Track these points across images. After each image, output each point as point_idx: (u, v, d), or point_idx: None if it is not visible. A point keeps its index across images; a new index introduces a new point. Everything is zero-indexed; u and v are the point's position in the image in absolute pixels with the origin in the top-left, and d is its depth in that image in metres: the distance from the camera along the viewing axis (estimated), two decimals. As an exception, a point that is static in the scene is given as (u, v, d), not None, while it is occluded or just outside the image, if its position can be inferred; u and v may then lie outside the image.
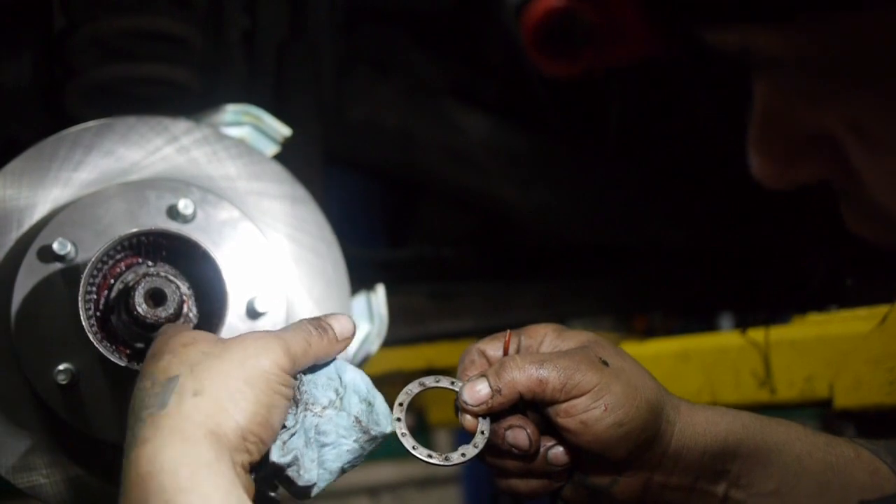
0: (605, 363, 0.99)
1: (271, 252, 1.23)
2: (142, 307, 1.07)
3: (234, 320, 1.14)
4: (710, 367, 1.76)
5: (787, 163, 0.66)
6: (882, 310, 1.64)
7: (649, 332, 3.30)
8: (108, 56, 1.65)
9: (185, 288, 1.11)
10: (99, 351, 1.05)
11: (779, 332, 1.73)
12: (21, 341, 1.11)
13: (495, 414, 1.02)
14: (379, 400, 1.00)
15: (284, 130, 1.36)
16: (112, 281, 1.12)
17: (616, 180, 2.27)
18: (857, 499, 1.01)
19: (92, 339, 1.05)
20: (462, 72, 2.22)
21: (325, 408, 0.95)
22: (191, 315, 1.12)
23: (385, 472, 5.41)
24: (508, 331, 1.07)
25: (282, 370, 0.90)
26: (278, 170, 1.30)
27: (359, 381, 0.99)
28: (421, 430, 5.45)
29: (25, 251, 1.14)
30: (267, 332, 0.95)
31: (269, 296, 1.19)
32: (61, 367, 1.10)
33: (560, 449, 1.01)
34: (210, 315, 1.11)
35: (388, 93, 2.10)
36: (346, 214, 1.95)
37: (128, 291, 1.09)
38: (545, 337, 1.06)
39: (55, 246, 1.12)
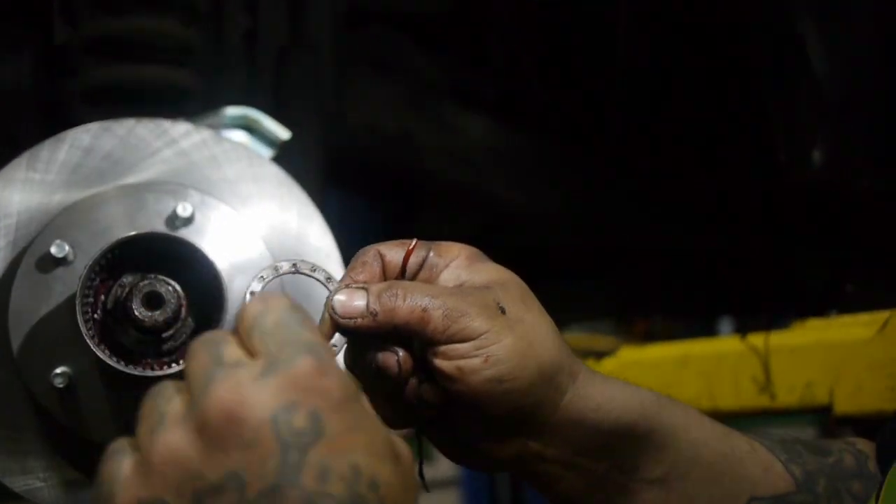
0: (503, 310, 0.87)
1: (271, 256, 1.23)
2: (139, 310, 1.07)
3: (231, 325, 1.14)
4: (710, 373, 1.76)
5: None
6: (883, 315, 1.64)
7: (649, 336, 3.30)
8: (108, 58, 1.65)
9: (182, 291, 1.11)
10: (96, 354, 1.05)
11: (779, 338, 1.73)
12: (18, 344, 1.11)
13: (363, 334, 0.88)
14: None
15: (283, 134, 1.36)
16: (110, 284, 1.11)
17: (616, 182, 2.27)
18: (749, 494, 0.96)
19: (89, 343, 1.04)
20: (462, 73, 2.22)
21: None
22: (189, 319, 1.11)
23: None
24: (415, 239, 0.95)
25: None
26: (278, 173, 1.29)
27: None
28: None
29: (23, 254, 1.14)
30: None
31: (268, 300, 1.18)
32: (58, 370, 1.10)
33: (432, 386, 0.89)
34: (208, 319, 1.10)
35: (388, 94, 2.10)
36: (346, 218, 1.94)
37: (125, 295, 1.08)
38: (455, 260, 0.93)
39: (53, 249, 1.12)
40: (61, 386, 1.09)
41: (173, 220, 1.17)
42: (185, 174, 1.24)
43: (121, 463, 0.66)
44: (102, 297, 1.11)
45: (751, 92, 1.89)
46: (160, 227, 1.15)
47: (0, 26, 1.77)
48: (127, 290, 1.09)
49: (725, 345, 1.81)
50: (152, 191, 1.19)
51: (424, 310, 0.86)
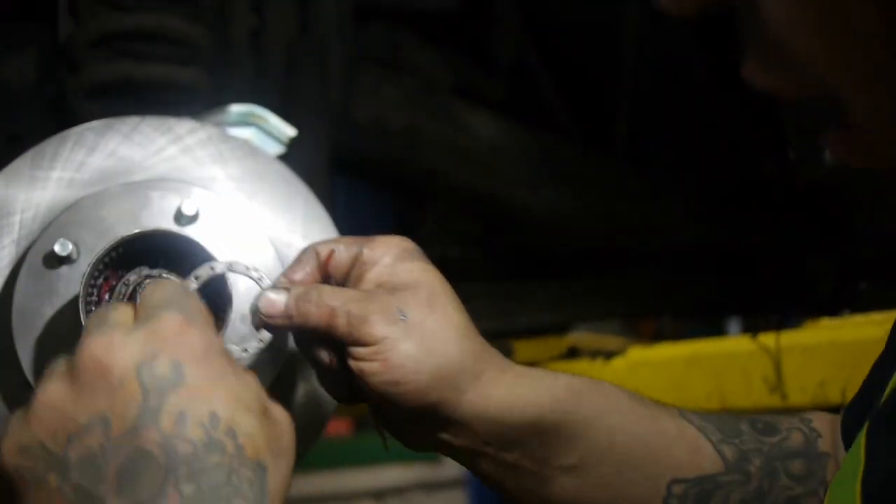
0: (403, 316, 0.93)
1: (277, 255, 1.21)
2: (143, 310, 1.05)
3: (237, 324, 1.13)
4: (720, 372, 1.75)
5: None
6: (896, 314, 1.61)
7: (657, 336, 3.28)
8: (113, 55, 1.64)
9: None
10: (100, 354, 1.03)
11: (790, 337, 1.72)
12: (22, 343, 1.10)
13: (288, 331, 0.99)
14: None
15: (290, 131, 1.35)
16: (114, 282, 1.10)
17: (625, 181, 2.25)
18: (672, 476, 0.97)
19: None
20: (470, 71, 2.21)
21: None
22: None
23: (391, 475, 5.39)
24: (336, 245, 1.03)
25: None
26: (284, 171, 1.28)
27: None
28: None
29: (27, 252, 1.13)
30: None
31: (274, 298, 1.17)
32: (62, 370, 1.09)
33: None
34: (213, 318, 1.09)
35: (395, 92, 2.09)
36: (351, 216, 1.94)
37: (129, 293, 1.07)
38: (383, 258, 0.99)
39: (57, 247, 1.11)
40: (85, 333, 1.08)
41: (178, 218, 1.16)
42: (191, 172, 1.23)
43: (13, 416, 0.75)
44: (107, 295, 1.10)
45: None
46: (165, 225, 1.14)
47: (4, 23, 1.77)
48: (131, 288, 1.08)
49: (736, 344, 1.80)
50: (157, 188, 1.18)
51: (331, 315, 0.93)
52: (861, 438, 0.77)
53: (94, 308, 1.08)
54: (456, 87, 2.16)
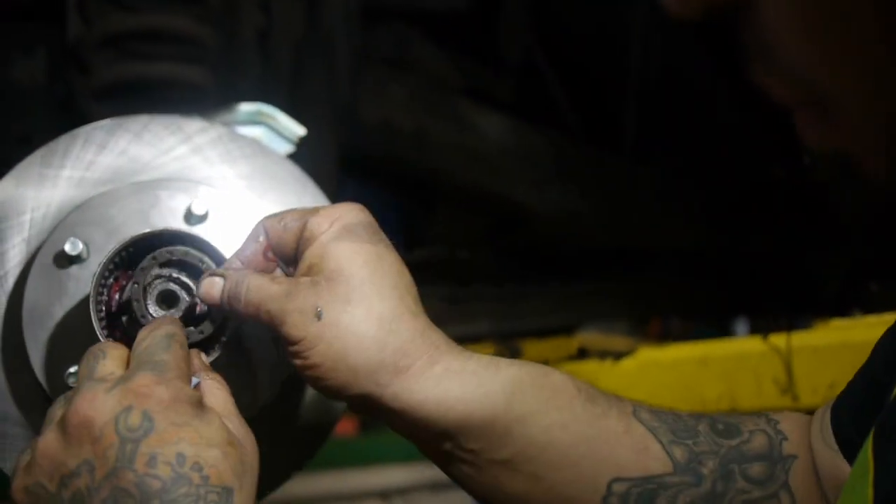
0: (319, 315, 0.94)
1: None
2: (154, 310, 1.05)
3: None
4: (731, 374, 1.73)
5: None
6: (907, 315, 1.60)
7: (664, 336, 3.27)
8: (122, 55, 1.64)
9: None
10: (110, 353, 1.03)
11: (801, 338, 1.70)
12: (32, 343, 1.10)
13: None
14: None
15: (299, 130, 1.34)
16: (124, 282, 1.10)
17: (633, 182, 2.24)
18: (613, 475, 0.97)
19: (103, 342, 1.03)
20: (477, 71, 2.20)
21: None
22: (207, 321, 1.10)
23: (396, 475, 5.37)
24: (283, 219, 1.02)
25: None
26: (294, 170, 1.28)
27: None
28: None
29: (37, 252, 1.12)
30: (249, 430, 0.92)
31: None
32: (72, 369, 1.08)
33: None
34: (224, 318, 1.08)
35: (402, 92, 2.08)
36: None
37: (140, 293, 1.07)
38: (322, 234, 0.98)
39: (67, 247, 1.10)
40: (76, 385, 1.08)
41: (188, 217, 1.15)
42: (200, 171, 1.22)
43: (20, 458, 0.90)
44: (117, 295, 1.09)
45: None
46: (175, 224, 1.14)
47: (14, 24, 1.76)
48: (141, 288, 1.07)
49: (746, 345, 1.78)
50: (166, 188, 1.17)
51: (256, 312, 0.97)
52: (868, 444, 0.76)
53: (104, 308, 1.08)
54: (464, 87, 2.16)
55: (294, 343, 0.95)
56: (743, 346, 1.81)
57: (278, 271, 1.04)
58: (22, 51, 1.72)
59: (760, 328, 2.58)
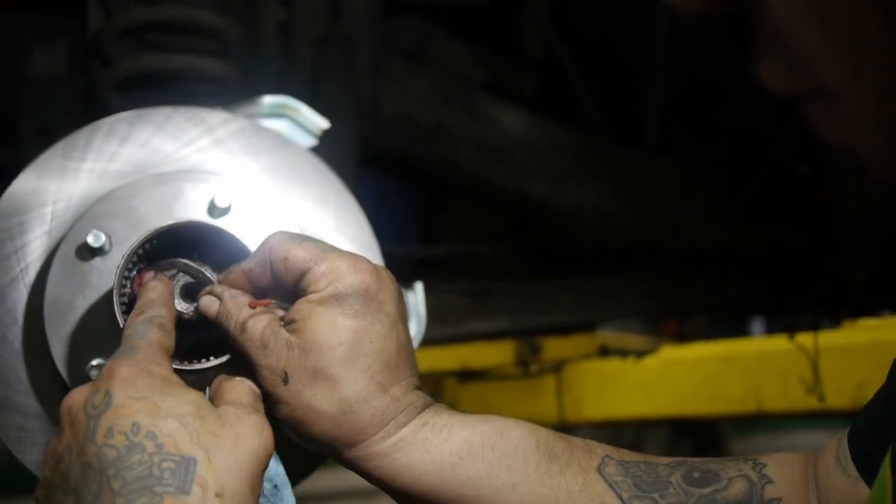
0: (286, 381, 0.98)
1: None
2: (178, 303, 1.04)
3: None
4: (756, 373, 1.71)
5: None
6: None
7: (679, 336, 3.24)
8: (142, 47, 1.63)
9: None
10: (133, 347, 1.02)
11: (828, 337, 1.67)
12: (54, 335, 1.09)
13: None
14: (288, 490, 0.99)
15: (322, 123, 1.33)
16: (147, 274, 1.09)
17: (655, 178, 2.22)
18: None
19: None
20: (499, 65, 2.18)
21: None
22: None
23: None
24: (276, 258, 1.02)
25: (266, 468, 0.91)
26: (317, 163, 1.26)
27: (272, 465, 0.98)
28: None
29: (59, 244, 1.11)
30: (262, 420, 0.93)
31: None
32: (94, 362, 1.07)
33: None
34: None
35: (423, 87, 2.07)
36: (378, 210, 1.91)
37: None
38: (314, 293, 1.00)
39: (89, 238, 1.09)
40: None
41: (211, 209, 1.14)
42: (223, 163, 1.21)
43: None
44: (140, 287, 1.08)
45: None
46: (198, 216, 1.12)
47: (34, 16, 1.76)
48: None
49: (772, 344, 1.76)
50: (190, 179, 1.16)
51: (240, 347, 1.00)
52: (886, 462, 0.76)
53: (127, 300, 1.06)
54: (484, 82, 2.14)
55: (264, 393, 0.99)
56: (768, 344, 1.78)
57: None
58: (42, 43, 1.71)
59: (777, 327, 2.55)
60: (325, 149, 1.35)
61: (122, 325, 1.01)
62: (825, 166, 1.97)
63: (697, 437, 4.72)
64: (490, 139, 2.11)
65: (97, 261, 1.10)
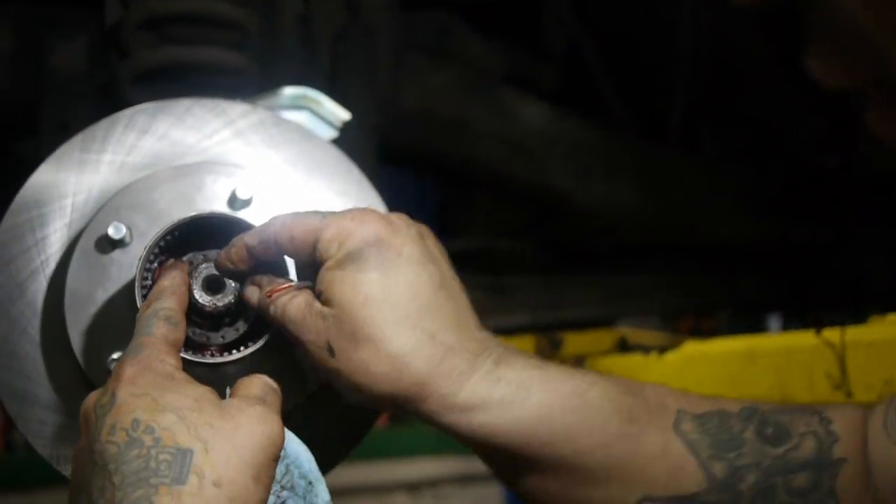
0: (331, 351, 0.96)
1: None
2: (200, 295, 1.03)
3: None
4: (781, 369, 1.69)
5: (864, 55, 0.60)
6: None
7: (694, 333, 3.21)
8: (162, 40, 1.62)
9: None
10: (154, 339, 1.01)
11: (855, 333, 1.65)
12: (74, 328, 1.08)
13: None
14: (322, 486, 0.98)
15: (344, 115, 1.32)
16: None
17: (678, 173, 2.20)
18: (643, 494, 0.98)
19: None
20: (520, 59, 2.16)
21: (282, 486, 0.95)
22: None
23: (425, 467, 5.37)
24: (295, 227, 1.00)
25: (276, 459, 0.90)
26: (338, 155, 1.25)
27: (302, 454, 0.97)
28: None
29: (79, 236, 1.11)
30: (266, 410, 0.92)
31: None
32: (115, 355, 1.07)
33: None
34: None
35: (443, 80, 2.05)
36: (397, 204, 1.90)
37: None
38: (330, 258, 0.98)
39: (110, 231, 1.09)
40: None
41: (232, 201, 1.13)
42: (244, 155, 1.21)
43: None
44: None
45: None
46: (219, 208, 1.12)
47: (53, 9, 1.75)
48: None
49: (797, 339, 1.74)
50: (210, 172, 1.15)
51: (282, 328, 1.00)
52: None
53: (147, 293, 1.05)
54: (505, 75, 2.12)
55: (319, 370, 0.98)
56: (793, 340, 1.76)
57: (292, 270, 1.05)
58: (61, 36, 1.71)
59: (796, 323, 2.53)
60: (345, 142, 1.34)
61: None
62: (852, 160, 1.95)
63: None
64: (511, 133, 2.09)
65: (117, 253, 1.10)
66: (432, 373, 0.96)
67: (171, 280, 1.01)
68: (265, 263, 1.03)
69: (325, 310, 0.97)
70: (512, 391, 0.97)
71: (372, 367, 0.95)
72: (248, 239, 1.02)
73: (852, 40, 0.56)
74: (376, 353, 0.95)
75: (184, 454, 0.85)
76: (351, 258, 0.97)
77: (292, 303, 0.99)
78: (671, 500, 0.97)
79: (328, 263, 0.97)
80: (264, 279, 1.02)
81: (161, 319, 0.97)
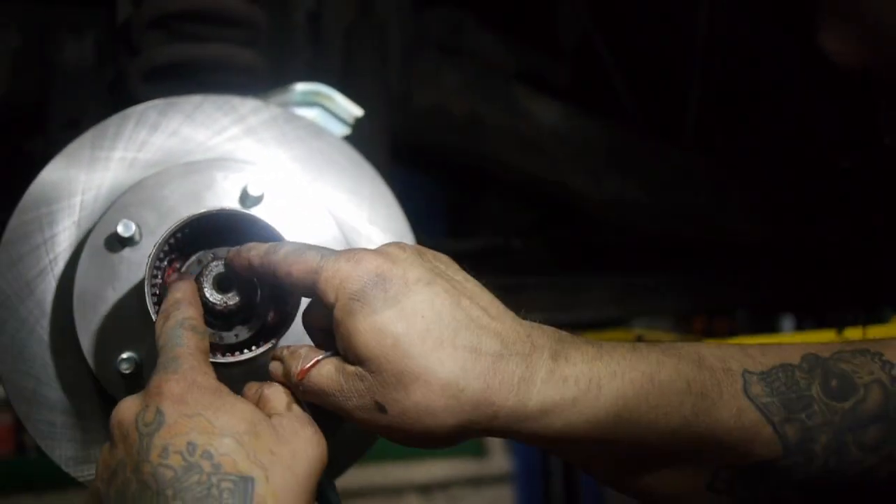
0: (383, 410, 0.90)
1: (343, 238, 1.17)
2: (210, 294, 1.01)
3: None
4: (801, 368, 1.65)
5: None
6: None
7: (708, 332, 3.19)
8: (171, 37, 1.61)
9: None
10: (164, 339, 0.99)
11: (877, 332, 1.62)
12: (83, 328, 1.07)
13: None
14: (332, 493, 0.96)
15: (356, 111, 1.30)
16: (178, 265, 1.06)
17: (693, 171, 2.17)
18: (720, 464, 0.96)
19: None
20: (532, 56, 2.14)
21: None
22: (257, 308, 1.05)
23: (437, 469, 5.36)
24: (294, 266, 0.95)
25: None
26: (351, 153, 1.23)
27: (331, 495, 0.95)
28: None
29: (88, 234, 1.09)
30: (316, 433, 0.90)
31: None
32: (125, 355, 1.05)
33: None
34: (281, 301, 1.04)
35: (455, 78, 2.03)
36: (410, 203, 1.88)
37: (195, 277, 1.03)
38: (337, 307, 0.92)
39: (119, 228, 1.07)
40: (128, 372, 1.04)
41: (244, 198, 1.12)
42: (255, 152, 1.19)
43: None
44: (171, 278, 1.05)
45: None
46: (230, 205, 1.10)
47: (63, 6, 1.74)
48: (196, 272, 1.03)
49: (817, 339, 1.70)
50: (221, 168, 1.13)
51: (323, 402, 0.95)
52: None
53: (157, 291, 1.04)
54: (518, 72, 2.10)
55: (374, 430, 0.93)
56: (812, 339, 1.72)
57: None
58: (71, 33, 1.70)
59: (808, 324, 2.50)
60: (357, 139, 1.32)
61: (153, 317, 0.99)
62: (869, 158, 1.91)
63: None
64: (524, 130, 2.06)
65: (127, 251, 1.08)
66: (492, 387, 0.90)
67: (183, 291, 0.98)
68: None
69: (359, 370, 0.91)
70: (583, 390, 0.92)
71: (431, 404, 0.89)
72: (252, 256, 0.98)
73: (873, 14, 0.54)
74: (429, 390, 0.89)
75: (245, 482, 0.84)
76: (353, 302, 0.91)
77: (321, 374, 0.93)
78: (750, 468, 0.96)
79: (336, 313, 0.91)
80: (285, 352, 0.97)
81: (188, 330, 0.94)
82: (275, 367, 0.97)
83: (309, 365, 0.93)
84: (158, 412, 0.87)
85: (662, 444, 0.95)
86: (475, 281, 0.98)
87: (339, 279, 0.91)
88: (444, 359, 0.89)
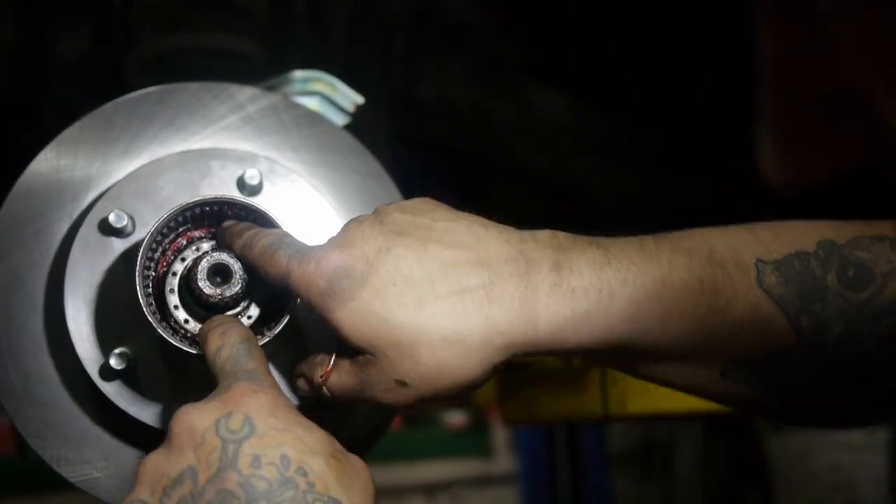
0: (406, 384, 0.91)
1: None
2: (205, 285, 0.97)
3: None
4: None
5: (820, 146, 0.56)
6: None
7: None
8: (169, 26, 1.58)
9: None
10: (158, 333, 0.96)
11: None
12: (74, 322, 1.03)
13: None
14: None
15: (357, 98, 1.27)
16: (172, 257, 1.03)
17: (704, 165, 2.14)
18: (733, 356, 0.96)
19: (151, 320, 0.96)
20: (539, 48, 2.11)
21: None
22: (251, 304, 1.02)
23: (441, 469, 5.35)
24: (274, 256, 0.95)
25: None
26: (351, 141, 1.21)
27: None
28: (480, 429, 5.37)
29: (80, 224, 1.06)
30: (362, 461, 0.89)
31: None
32: (117, 350, 1.02)
33: None
34: (278, 294, 1.01)
35: (459, 69, 2.00)
36: (414, 193, 1.85)
37: (189, 268, 0.99)
38: (315, 301, 0.92)
39: (111, 218, 1.04)
40: (120, 368, 1.01)
41: (241, 187, 1.09)
42: (252, 141, 1.16)
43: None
44: (164, 270, 1.02)
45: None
46: (226, 194, 1.06)
47: (59, -2, 1.72)
48: (190, 262, 1.00)
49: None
50: (217, 157, 1.11)
51: (348, 401, 0.96)
52: None
53: (150, 283, 1.00)
54: (524, 63, 2.07)
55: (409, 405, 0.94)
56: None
57: None
58: (68, 22, 1.67)
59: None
60: (359, 128, 1.29)
61: (145, 310, 0.95)
62: (880, 158, 1.88)
63: (732, 435, 4.63)
64: (530, 123, 2.04)
65: (119, 242, 1.05)
66: (493, 317, 0.89)
67: (240, 326, 0.97)
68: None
69: (367, 357, 0.91)
70: (594, 302, 0.91)
71: (443, 361, 0.90)
72: (237, 246, 0.98)
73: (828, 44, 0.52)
74: (434, 349, 0.89)
75: None
76: (329, 298, 0.91)
77: (340, 374, 0.95)
78: (763, 358, 0.96)
79: (319, 314, 0.92)
80: (304, 366, 0.98)
81: (256, 348, 0.93)
82: (301, 384, 0.98)
83: (328, 368, 0.95)
84: (247, 420, 0.84)
85: (677, 344, 0.95)
86: (449, 214, 0.97)
87: (306, 281, 0.92)
88: (432, 314, 0.89)
